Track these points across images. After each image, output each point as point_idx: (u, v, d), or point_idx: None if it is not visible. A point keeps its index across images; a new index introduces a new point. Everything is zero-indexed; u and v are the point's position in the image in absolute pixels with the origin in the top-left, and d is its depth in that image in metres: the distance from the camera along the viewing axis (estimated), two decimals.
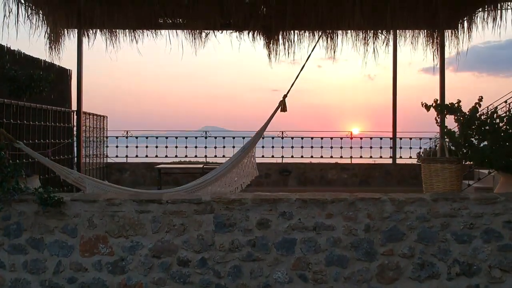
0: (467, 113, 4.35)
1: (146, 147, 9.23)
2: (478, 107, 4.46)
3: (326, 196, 3.74)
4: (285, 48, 7.31)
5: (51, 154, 6.49)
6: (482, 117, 4.36)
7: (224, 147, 9.35)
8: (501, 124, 4.16)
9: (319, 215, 3.68)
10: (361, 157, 9.61)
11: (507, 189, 4.16)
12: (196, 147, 9.07)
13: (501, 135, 4.14)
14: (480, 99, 4.44)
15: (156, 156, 9.30)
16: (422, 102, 4.39)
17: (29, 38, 5.93)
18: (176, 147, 9.25)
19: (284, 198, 3.70)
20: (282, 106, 6.60)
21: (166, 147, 9.23)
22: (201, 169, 7.60)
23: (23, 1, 5.47)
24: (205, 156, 9.43)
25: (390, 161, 9.13)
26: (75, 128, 7.34)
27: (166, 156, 9.21)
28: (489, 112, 4.26)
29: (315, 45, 6.87)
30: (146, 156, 9.05)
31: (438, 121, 4.62)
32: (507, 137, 4.09)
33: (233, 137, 9.31)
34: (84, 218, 3.64)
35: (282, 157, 9.27)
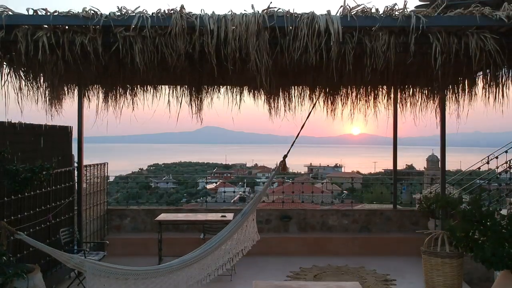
0: (468, 206, 4.37)
1: (147, 191, 9.23)
2: (479, 198, 4.48)
3: None
4: (285, 104, 7.31)
5: (51, 218, 6.49)
6: (483, 209, 4.38)
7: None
8: (502, 222, 4.17)
9: None
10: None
11: (506, 286, 4.17)
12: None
13: (503, 233, 4.14)
14: (482, 191, 4.46)
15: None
16: (421, 197, 4.41)
17: (30, 103, 5.92)
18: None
19: None
20: (282, 166, 6.62)
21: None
22: (201, 222, 7.62)
23: (23, 76, 5.42)
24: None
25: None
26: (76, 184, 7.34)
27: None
28: (491, 209, 4.27)
29: (314, 104, 6.88)
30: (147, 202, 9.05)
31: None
32: (508, 236, 4.10)
33: (234, 182, 9.28)
34: None
35: (283, 202, 9.27)
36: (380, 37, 4.01)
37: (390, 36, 4.03)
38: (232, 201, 19.28)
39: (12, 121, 5.67)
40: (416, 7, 7.77)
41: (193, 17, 3.99)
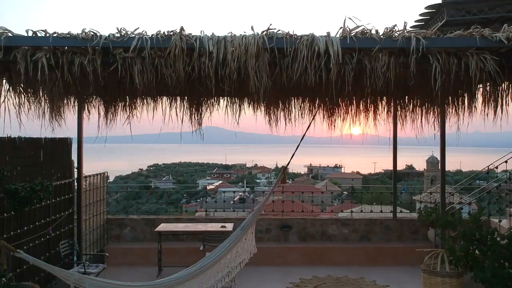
0: (468, 224, 4.36)
1: (147, 201, 9.21)
2: (479, 217, 4.47)
3: None
4: (285, 115, 7.30)
5: (52, 232, 6.49)
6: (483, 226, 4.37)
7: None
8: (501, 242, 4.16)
9: None
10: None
11: None
12: (198, 200, 9.04)
13: (503, 253, 4.14)
14: (482, 209, 4.46)
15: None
16: (420, 206, 4.41)
17: (30, 117, 5.91)
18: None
19: None
20: (283, 178, 6.63)
21: (170, 202, 9.22)
22: (201, 232, 7.62)
23: (22, 90, 5.41)
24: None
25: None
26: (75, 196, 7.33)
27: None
28: (490, 230, 4.27)
29: (314, 117, 6.87)
30: (147, 212, 9.02)
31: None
32: (508, 256, 4.10)
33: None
34: None
35: (283, 211, 9.26)
36: (380, 58, 4.00)
37: (390, 57, 4.03)
38: (232, 202, 19.24)
39: (11, 136, 5.68)
40: (416, 21, 7.80)
41: (192, 38, 3.98)
